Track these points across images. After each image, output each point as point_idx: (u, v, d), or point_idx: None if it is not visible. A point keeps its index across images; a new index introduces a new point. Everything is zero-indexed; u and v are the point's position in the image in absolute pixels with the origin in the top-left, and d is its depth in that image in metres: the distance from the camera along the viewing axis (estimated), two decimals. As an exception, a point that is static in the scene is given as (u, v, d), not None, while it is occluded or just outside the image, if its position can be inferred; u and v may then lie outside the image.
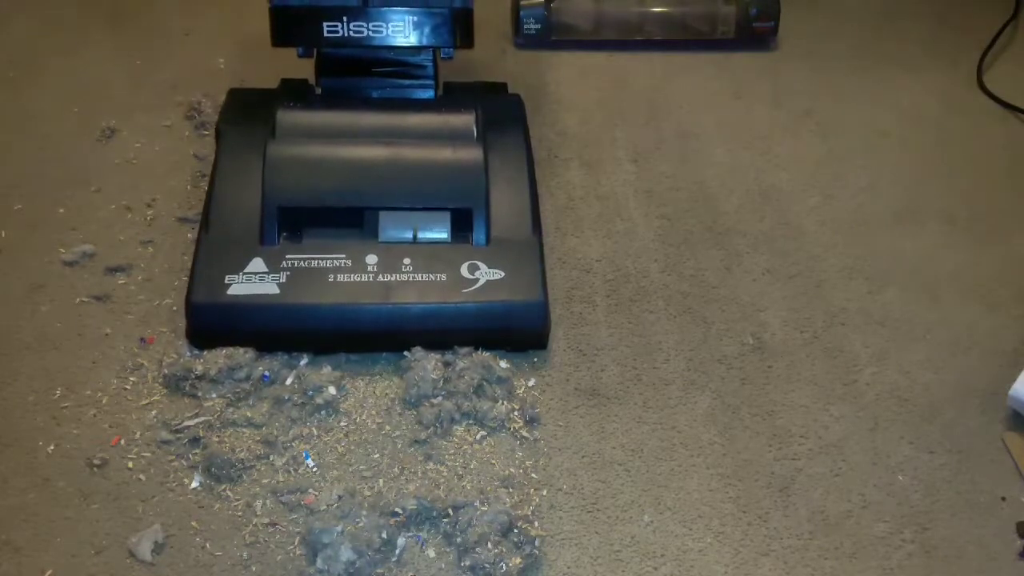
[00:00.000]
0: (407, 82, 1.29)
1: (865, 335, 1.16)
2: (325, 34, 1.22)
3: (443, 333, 1.08)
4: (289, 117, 1.20)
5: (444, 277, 1.09)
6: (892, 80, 1.56)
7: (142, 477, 0.98)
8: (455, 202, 1.14)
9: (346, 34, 1.22)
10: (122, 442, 1.01)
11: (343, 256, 1.10)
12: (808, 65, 1.59)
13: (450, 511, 0.95)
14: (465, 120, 1.23)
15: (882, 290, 1.22)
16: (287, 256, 1.09)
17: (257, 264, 1.08)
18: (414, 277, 1.09)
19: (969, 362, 1.14)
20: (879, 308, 1.20)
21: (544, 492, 0.99)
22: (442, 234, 1.13)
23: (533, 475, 1.00)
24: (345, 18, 1.22)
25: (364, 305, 1.07)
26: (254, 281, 1.07)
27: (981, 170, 1.40)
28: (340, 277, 1.08)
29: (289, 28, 1.23)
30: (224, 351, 1.06)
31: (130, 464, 0.99)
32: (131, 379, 1.07)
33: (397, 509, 0.95)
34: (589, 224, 1.28)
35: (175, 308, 1.13)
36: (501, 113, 1.27)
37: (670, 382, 1.10)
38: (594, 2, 1.57)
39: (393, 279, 1.08)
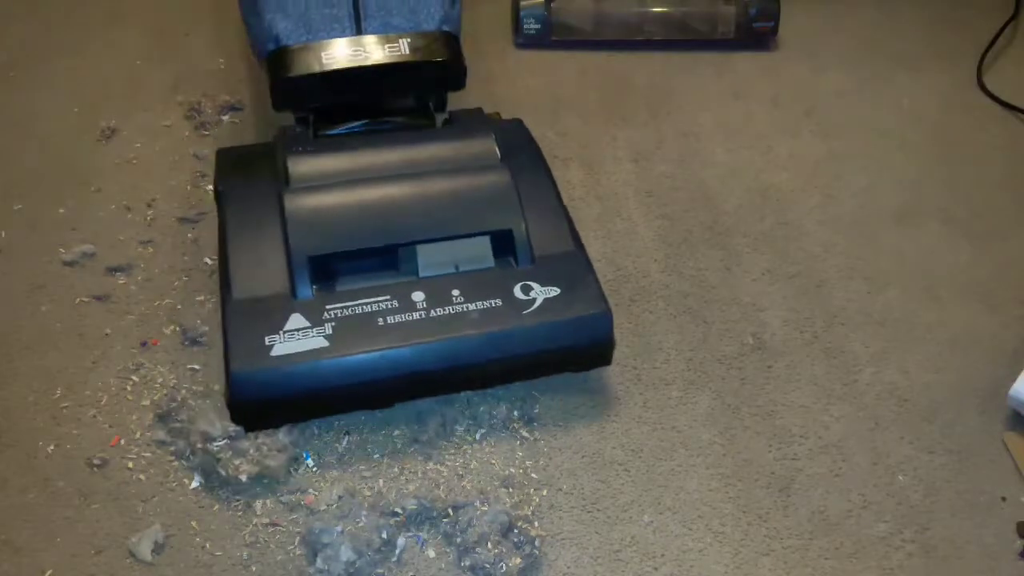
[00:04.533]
0: (404, 120, 1.24)
1: (865, 335, 1.16)
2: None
3: (511, 361, 1.02)
4: (301, 164, 1.13)
5: (499, 302, 1.02)
6: (892, 80, 1.56)
7: (142, 477, 0.98)
8: (493, 224, 1.08)
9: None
10: (122, 442, 1.01)
11: (387, 297, 1.02)
12: (808, 65, 1.59)
13: (450, 511, 0.95)
14: (486, 144, 1.17)
15: (882, 290, 1.22)
16: (327, 306, 1.01)
17: (297, 320, 1.00)
18: (468, 307, 1.02)
19: (969, 362, 1.14)
20: (879, 308, 1.20)
21: (544, 492, 0.99)
22: (485, 259, 1.07)
23: (533, 475, 1.00)
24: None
25: (423, 344, 0.99)
26: (297, 338, 0.98)
27: (981, 170, 1.40)
28: (390, 319, 1.00)
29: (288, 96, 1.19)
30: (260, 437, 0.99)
31: (130, 464, 0.99)
32: (131, 379, 1.07)
33: (397, 509, 0.95)
34: (589, 224, 1.28)
35: (177, 307, 1.13)
36: (511, 136, 1.23)
37: (670, 382, 1.10)
38: (594, 2, 1.57)
39: (446, 312, 1.02)
